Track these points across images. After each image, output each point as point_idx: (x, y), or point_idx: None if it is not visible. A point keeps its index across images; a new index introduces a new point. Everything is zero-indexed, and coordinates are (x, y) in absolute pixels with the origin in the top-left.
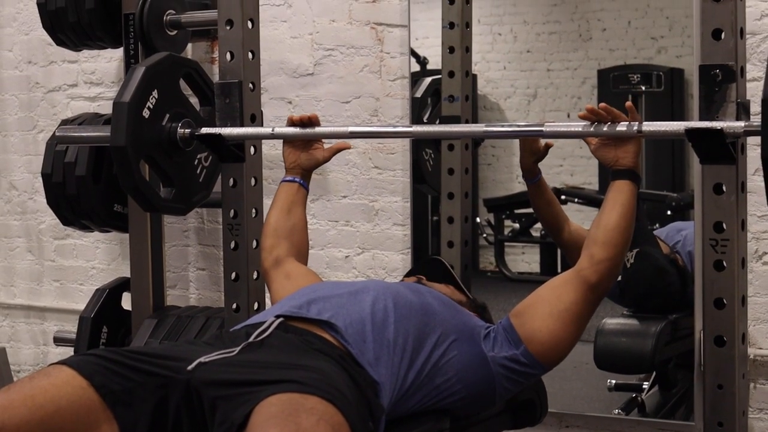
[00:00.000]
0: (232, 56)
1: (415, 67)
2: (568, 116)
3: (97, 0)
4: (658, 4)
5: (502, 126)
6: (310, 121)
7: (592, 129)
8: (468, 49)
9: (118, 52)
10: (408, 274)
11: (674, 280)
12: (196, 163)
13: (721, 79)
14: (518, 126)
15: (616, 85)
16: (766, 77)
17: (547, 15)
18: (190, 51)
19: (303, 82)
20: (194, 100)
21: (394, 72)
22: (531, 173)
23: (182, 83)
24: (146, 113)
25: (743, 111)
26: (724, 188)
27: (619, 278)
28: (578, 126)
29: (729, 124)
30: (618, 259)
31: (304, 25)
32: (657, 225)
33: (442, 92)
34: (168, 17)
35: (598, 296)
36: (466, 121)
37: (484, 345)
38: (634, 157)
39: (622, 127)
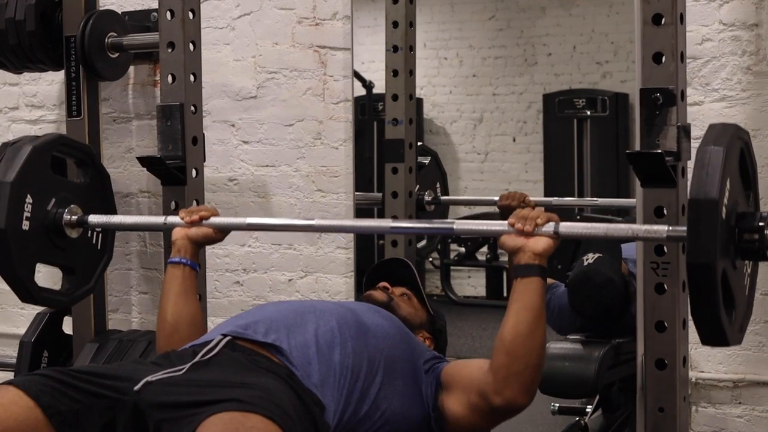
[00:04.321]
0: (174, 78)
1: (361, 91)
2: (514, 140)
3: (37, 22)
4: (603, 29)
5: (409, 222)
6: (202, 219)
7: (504, 228)
8: (412, 73)
9: (60, 75)
10: (372, 273)
11: (618, 298)
12: (89, 234)
13: (662, 103)
14: (427, 223)
15: (562, 110)
16: (693, 178)
17: (493, 39)
18: (132, 73)
19: (246, 105)
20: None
21: (337, 95)
22: None
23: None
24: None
25: (684, 134)
26: (664, 211)
27: (570, 274)
28: (489, 225)
29: (650, 228)
30: (528, 372)
31: (247, 47)
32: None
33: (386, 115)
34: (109, 40)
35: (508, 414)
36: (410, 145)
37: (423, 389)
38: (545, 250)
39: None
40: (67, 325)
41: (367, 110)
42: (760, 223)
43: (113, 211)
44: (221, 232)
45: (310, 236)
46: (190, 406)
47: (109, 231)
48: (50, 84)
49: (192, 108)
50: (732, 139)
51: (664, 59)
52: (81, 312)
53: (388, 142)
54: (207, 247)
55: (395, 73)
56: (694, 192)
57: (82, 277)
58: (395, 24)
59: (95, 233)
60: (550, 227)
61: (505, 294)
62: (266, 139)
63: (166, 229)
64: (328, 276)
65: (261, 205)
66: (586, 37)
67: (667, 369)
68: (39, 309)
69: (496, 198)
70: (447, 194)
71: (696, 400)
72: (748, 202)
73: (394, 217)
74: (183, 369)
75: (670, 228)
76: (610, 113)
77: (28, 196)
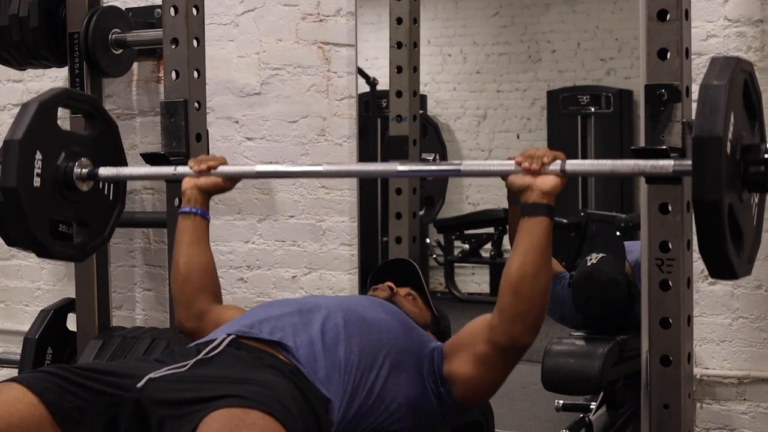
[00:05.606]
0: (178, 75)
1: (365, 88)
2: (518, 137)
3: (41, 19)
4: (607, 26)
5: (416, 165)
6: (210, 168)
7: (512, 167)
8: (416, 69)
9: (63, 72)
10: (377, 273)
11: (621, 298)
12: (101, 186)
13: (667, 99)
14: (434, 165)
15: (566, 107)
16: (697, 114)
17: (497, 36)
18: (135, 70)
19: (250, 102)
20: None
21: (341, 91)
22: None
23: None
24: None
25: (689, 131)
26: (669, 208)
27: (573, 274)
28: (496, 165)
29: (655, 163)
30: (533, 313)
31: (251, 44)
32: None
33: (390, 112)
34: (113, 36)
35: (514, 354)
36: (414, 142)
37: (425, 373)
38: (553, 188)
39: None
40: (71, 322)
41: (371, 107)
42: (766, 155)
43: (123, 162)
44: (230, 181)
45: (314, 233)
46: (191, 402)
47: (120, 182)
48: (54, 80)
49: (196, 104)
50: (735, 73)
51: (669, 55)
52: (85, 309)
53: (392, 138)
54: (210, 245)
55: (399, 69)
56: (698, 129)
57: (96, 228)
58: (399, 20)
59: (107, 184)
60: (556, 165)
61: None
62: (270, 135)
63: (176, 179)
64: (331, 273)
65: (265, 201)
66: (590, 34)
67: (671, 366)
68: (43, 306)
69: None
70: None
71: (701, 397)
72: (753, 133)
73: (399, 216)
74: (186, 366)
75: (676, 163)
76: (614, 110)
77: (38, 152)
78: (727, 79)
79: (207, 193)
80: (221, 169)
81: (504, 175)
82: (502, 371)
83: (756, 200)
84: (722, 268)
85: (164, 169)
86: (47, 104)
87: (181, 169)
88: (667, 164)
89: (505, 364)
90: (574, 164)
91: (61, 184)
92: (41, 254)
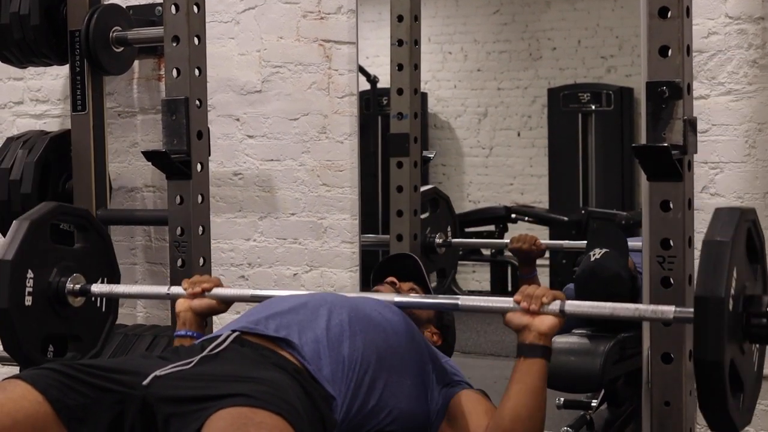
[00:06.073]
0: (179, 73)
1: (365, 86)
2: (519, 135)
3: (42, 16)
4: (608, 23)
5: (414, 298)
6: (204, 291)
7: (510, 305)
8: (417, 67)
9: (64, 69)
10: (380, 269)
11: (624, 294)
12: (93, 299)
13: (668, 96)
14: (432, 298)
15: (566, 104)
16: (699, 270)
17: (498, 34)
18: (136, 68)
19: (251, 99)
20: None
21: (342, 89)
22: (528, 271)
23: None
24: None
25: (690, 128)
26: (671, 205)
27: (576, 269)
28: (495, 302)
29: (656, 308)
30: None
31: (252, 42)
32: None
33: (391, 109)
34: (114, 34)
35: None
36: (415, 140)
37: (429, 399)
38: (550, 329)
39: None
40: None
41: (371, 105)
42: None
43: (116, 274)
44: (225, 304)
45: (315, 230)
46: (198, 400)
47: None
48: (55, 78)
49: (197, 102)
50: (738, 226)
51: (670, 52)
52: None
53: (393, 136)
54: (212, 242)
55: (400, 67)
56: (701, 289)
57: (88, 342)
58: (400, 18)
59: (99, 298)
60: (555, 306)
61: (510, 288)
62: (271, 133)
63: (170, 299)
64: (333, 270)
65: (266, 199)
66: (591, 32)
67: (673, 363)
68: None
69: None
70: (457, 237)
71: None
72: (756, 279)
73: (400, 214)
74: (191, 363)
75: (677, 310)
76: (614, 108)
77: (29, 271)
78: (730, 236)
79: (201, 315)
80: (215, 291)
81: (502, 313)
82: None
83: (757, 349)
84: (722, 424)
85: (157, 289)
86: (39, 222)
87: (175, 290)
88: (668, 310)
89: None
90: (573, 305)
91: (53, 301)
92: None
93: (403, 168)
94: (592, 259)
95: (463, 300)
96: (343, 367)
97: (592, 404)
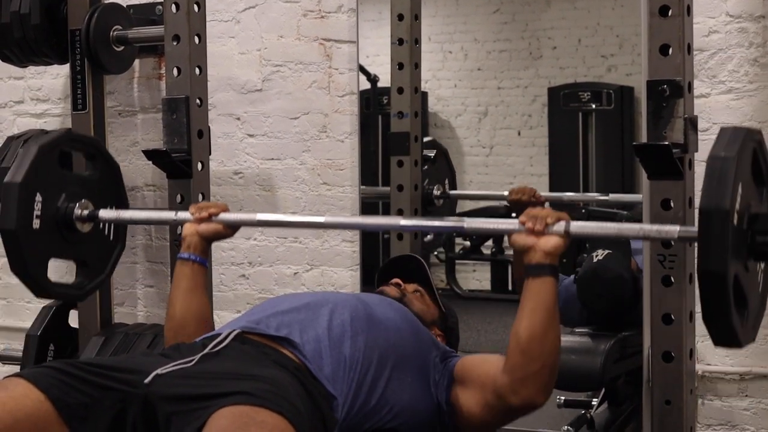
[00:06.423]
0: (179, 72)
1: (365, 85)
2: (519, 134)
3: (42, 16)
4: (608, 22)
5: (420, 220)
6: (212, 216)
7: (515, 226)
8: (417, 66)
9: (65, 68)
10: (385, 270)
11: (627, 295)
12: (101, 227)
13: (669, 95)
14: (438, 221)
15: (567, 103)
16: (704, 185)
17: (498, 33)
18: (137, 67)
19: (251, 98)
20: None
21: (342, 88)
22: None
23: None
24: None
25: (691, 126)
26: (671, 204)
27: (579, 270)
28: (499, 223)
29: (661, 228)
30: (545, 373)
31: (252, 41)
32: None
33: (391, 108)
34: (115, 33)
35: (524, 412)
36: (416, 138)
37: (431, 383)
38: (555, 248)
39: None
40: (73, 319)
41: (372, 104)
42: None
43: (124, 202)
44: (231, 228)
45: (315, 230)
46: (199, 398)
47: (121, 224)
48: (55, 77)
49: (197, 101)
50: (743, 144)
51: (671, 51)
52: (87, 305)
53: (394, 135)
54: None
55: (400, 66)
56: (705, 201)
57: (96, 269)
58: (400, 17)
59: (107, 225)
60: (560, 226)
61: (510, 288)
62: (271, 132)
63: (177, 224)
64: (333, 269)
65: (266, 198)
66: (591, 31)
67: (673, 362)
68: (45, 303)
69: (506, 192)
70: (455, 189)
71: (702, 393)
72: (761, 200)
73: (401, 213)
74: (193, 361)
75: (681, 228)
76: (615, 106)
77: (38, 194)
78: (735, 151)
79: (207, 240)
80: (222, 216)
81: (507, 234)
82: (508, 421)
83: (762, 267)
84: (726, 337)
85: (165, 214)
86: (48, 147)
87: (182, 215)
88: (672, 230)
89: (512, 417)
90: (578, 225)
91: (61, 226)
92: (40, 294)
93: (403, 167)
94: (595, 260)
95: (469, 222)
96: (344, 367)
97: (593, 403)
